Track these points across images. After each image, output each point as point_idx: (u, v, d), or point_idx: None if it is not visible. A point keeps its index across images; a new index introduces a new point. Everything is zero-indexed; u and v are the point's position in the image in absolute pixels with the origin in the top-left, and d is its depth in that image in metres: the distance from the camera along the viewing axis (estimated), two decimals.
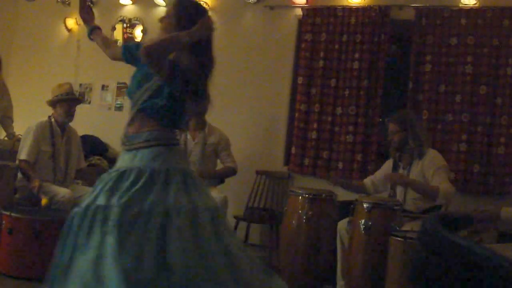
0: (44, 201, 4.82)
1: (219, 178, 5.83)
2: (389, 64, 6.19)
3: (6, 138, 6.08)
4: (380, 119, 6.11)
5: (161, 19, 3.19)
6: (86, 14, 3.35)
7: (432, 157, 4.67)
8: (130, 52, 3.19)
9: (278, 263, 5.04)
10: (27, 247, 4.27)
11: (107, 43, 3.38)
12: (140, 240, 2.62)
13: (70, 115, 5.21)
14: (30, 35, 8.04)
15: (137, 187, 2.74)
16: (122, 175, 2.81)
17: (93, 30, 3.32)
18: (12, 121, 6.23)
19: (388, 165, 5.01)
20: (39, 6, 7.76)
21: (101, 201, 2.71)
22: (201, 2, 6.81)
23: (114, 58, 3.36)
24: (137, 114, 2.96)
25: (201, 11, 3.12)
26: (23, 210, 4.51)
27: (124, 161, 2.93)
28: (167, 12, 3.17)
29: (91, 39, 3.33)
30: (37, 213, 4.46)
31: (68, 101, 5.18)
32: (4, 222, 4.36)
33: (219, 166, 5.88)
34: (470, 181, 5.64)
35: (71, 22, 7.76)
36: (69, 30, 7.81)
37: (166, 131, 3.00)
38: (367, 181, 5.14)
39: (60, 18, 7.78)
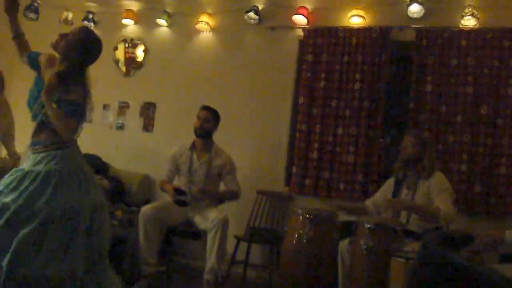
0: None
1: (222, 200, 5.83)
2: (390, 84, 6.20)
3: (7, 157, 6.08)
4: (381, 140, 6.12)
5: None
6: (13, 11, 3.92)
7: (439, 179, 4.67)
8: (31, 59, 3.73)
9: (279, 284, 5.02)
10: None
11: (24, 49, 3.94)
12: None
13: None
14: None
15: (33, 187, 3.27)
16: (25, 175, 3.33)
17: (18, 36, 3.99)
18: (14, 139, 6.23)
19: (389, 184, 5.00)
20: (41, 26, 7.78)
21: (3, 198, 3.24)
22: (203, 23, 6.87)
23: (24, 62, 3.86)
24: (39, 124, 3.47)
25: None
26: None
27: (28, 163, 3.44)
28: None
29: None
30: None
31: None
32: None
33: (221, 189, 5.89)
34: (471, 201, 5.62)
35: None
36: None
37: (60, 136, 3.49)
38: (369, 203, 5.12)
39: None
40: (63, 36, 3.66)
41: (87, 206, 3.40)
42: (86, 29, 3.76)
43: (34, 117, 3.51)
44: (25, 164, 3.45)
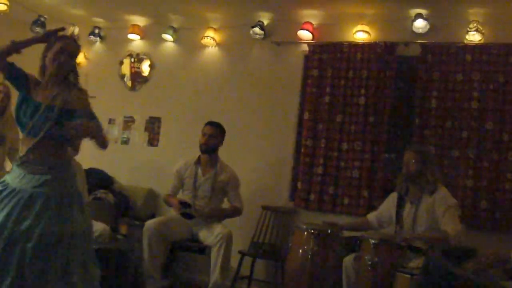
0: None
1: (224, 217, 5.82)
2: (395, 99, 6.19)
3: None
4: (386, 155, 6.11)
5: None
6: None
7: (444, 195, 4.66)
8: (12, 73, 3.51)
9: None
10: None
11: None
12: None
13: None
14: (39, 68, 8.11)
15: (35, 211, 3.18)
16: (29, 198, 3.21)
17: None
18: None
19: (392, 198, 4.97)
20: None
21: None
22: (209, 38, 6.90)
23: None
24: (43, 140, 3.31)
25: None
26: None
27: (20, 180, 3.28)
28: None
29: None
30: None
31: None
32: None
33: (226, 203, 5.89)
34: (477, 217, 5.59)
35: (80, 57, 7.80)
36: (77, 64, 7.85)
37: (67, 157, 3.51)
38: (371, 217, 5.10)
39: None
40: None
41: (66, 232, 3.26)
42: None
43: (32, 133, 3.33)
44: (16, 180, 3.30)
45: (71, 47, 3.56)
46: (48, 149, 3.34)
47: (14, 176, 3.32)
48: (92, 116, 3.46)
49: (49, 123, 3.30)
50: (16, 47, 3.45)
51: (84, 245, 3.37)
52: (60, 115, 3.33)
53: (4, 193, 3.24)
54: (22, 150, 3.35)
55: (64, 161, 3.46)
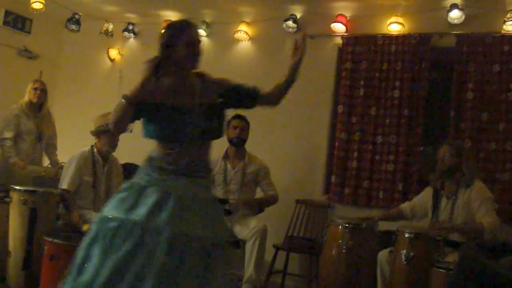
0: (86, 227, 4.89)
1: (260, 207, 5.82)
2: (430, 92, 6.12)
3: (49, 166, 6.19)
4: (421, 148, 6.04)
5: None
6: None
7: (479, 188, 4.59)
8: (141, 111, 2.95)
9: None
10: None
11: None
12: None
13: (114, 145, 5.27)
14: (74, 65, 8.25)
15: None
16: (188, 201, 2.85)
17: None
18: (56, 149, 6.35)
19: (427, 193, 4.92)
20: (83, 37, 7.95)
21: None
22: (242, 32, 6.90)
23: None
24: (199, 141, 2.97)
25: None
26: (64, 237, 4.55)
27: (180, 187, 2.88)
28: None
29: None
30: (78, 240, 4.49)
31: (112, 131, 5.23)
32: (46, 248, 4.41)
33: (258, 194, 5.88)
34: None
35: (114, 53, 7.94)
36: (112, 60, 7.98)
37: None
38: (405, 206, 5.06)
39: (103, 48, 7.97)
40: None
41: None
42: None
43: (180, 136, 2.92)
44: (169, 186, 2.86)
45: (197, 33, 3.13)
46: (198, 150, 2.97)
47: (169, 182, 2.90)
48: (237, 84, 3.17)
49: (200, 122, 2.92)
50: (131, 101, 2.84)
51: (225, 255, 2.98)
52: (210, 109, 2.99)
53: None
54: (166, 156, 2.92)
55: (208, 162, 3.10)
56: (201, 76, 3.11)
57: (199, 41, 3.03)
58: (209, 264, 2.79)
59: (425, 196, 4.95)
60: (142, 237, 2.70)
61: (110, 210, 2.87)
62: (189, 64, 3.00)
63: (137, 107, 2.87)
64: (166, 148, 2.93)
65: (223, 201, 5.44)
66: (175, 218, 2.75)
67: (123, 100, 2.84)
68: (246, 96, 3.18)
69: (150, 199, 2.80)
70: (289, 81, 3.23)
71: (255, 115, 5.91)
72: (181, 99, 2.94)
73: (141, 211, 2.76)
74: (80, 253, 2.84)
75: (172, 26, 3.08)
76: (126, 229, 2.72)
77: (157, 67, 2.93)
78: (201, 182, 2.97)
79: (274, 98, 3.26)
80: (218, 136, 3.06)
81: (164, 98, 2.92)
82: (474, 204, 4.50)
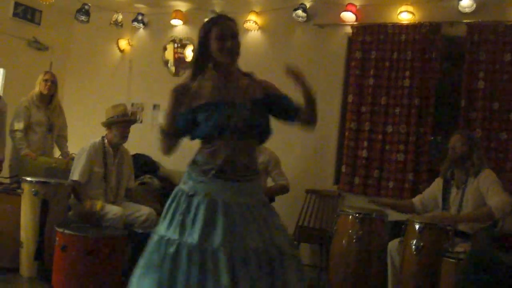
0: (99, 205, 4.94)
1: (272, 196, 5.82)
2: (440, 81, 6.08)
3: (60, 157, 6.22)
4: (432, 138, 6.02)
5: None
6: None
7: (487, 174, 4.57)
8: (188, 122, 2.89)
9: (328, 283, 5.00)
10: (79, 264, 4.34)
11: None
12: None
13: (124, 136, 5.28)
14: (84, 56, 8.27)
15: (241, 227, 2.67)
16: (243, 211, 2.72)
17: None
18: (67, 141, 6.38)
19: (437, 183, 4.90)
20: (92, 28, 7.96)
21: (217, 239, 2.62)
22: (251, 22, 6.88)
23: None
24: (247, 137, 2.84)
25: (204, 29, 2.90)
26: (76, 228, 4.59)
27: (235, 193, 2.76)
28: None
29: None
30: (90, 230, 4.54)
31: (123, 123, 5.25)
32: (57, 238, 4.44)
33: (269, 184, 5.88)
34: None
35: (124, 43, 7.95)
36: (121, 51, 7.99)
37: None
38: (416, 200, 5.04)
39: (113, 39, 7.98)
40: None
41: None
42: None
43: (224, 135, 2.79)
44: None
45: (230, 26, 2.91)
46: (240, 147, 2.82)
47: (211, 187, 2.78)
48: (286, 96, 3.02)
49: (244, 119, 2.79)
50: (167, 132, 2.91)
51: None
52: (254, 106, 2.85)
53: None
54: (207, 156, 2.85)
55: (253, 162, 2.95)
56: (248, 75, 3.00)
57: (232, 35, 2.85)
58: (278, 272, 2.67)
59: (435, 187, 4.93)
60: (202, 259, 2.58)
61: (164, 228, 2.76)
62: (222, 58, 2.83)
63: (187, 117, 2.84)
64: (207, 146, 2.84)
65: None
66: (228, 235, 2.61)
67: (161, 135, 2.90)
68: (289, 109, 3.00)
69: (199, 215, 2.68)
70: (309, 103, 2.97)
71: None
72: (222, 94, 2.83)
73: (194, 231, 2.64)
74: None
75: (205, 23, 2.94)
76: (185, 254, 2.60)
77: (195, 71, 2.88)
78: (246, 187, 2.82)
79: (307, 118, 3.06)
80: (263, 133, 2.91)
81: (207, 97, 2.81)
82: (482, 189, 4.47)
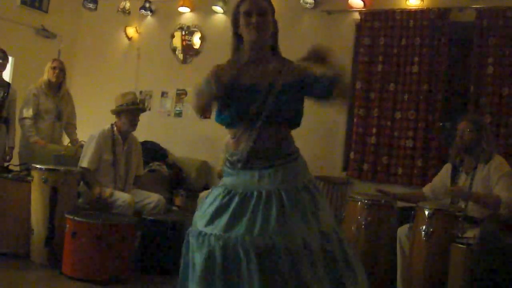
0: (108, 192, 4.97)
1: None
2: (449, 67, 6.05)
3: (69, 145, 6.24)
4: (441, 124, 6.00)
5: None
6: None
7: (499, 163, 4.54)
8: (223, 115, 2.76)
9: None
10: (89, 250, 4.36)
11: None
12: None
13: (134, 124, 5.29)
14: (92, 44, 8.27)
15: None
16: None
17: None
18: (75, 128, 6.39)
19: (446, 170, 4.89)
20: (100, 16, 7.96)
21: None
22: None
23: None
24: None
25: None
26: (86, 214, 4.61)
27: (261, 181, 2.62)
28: None
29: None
30: (99, 217, 4.56)
31: (132, 111, 5.25)
32: (68, 225, 4.47)
33: None
34: None
35: (131, 31, 7.94)
36: (129, 39, 7.98)
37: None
38: (427, 189, 5.02)
39: (121, 27, 7.98)
40: None
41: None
42: None
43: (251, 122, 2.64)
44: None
45: (258, 2, 2.69)
46: (272, 136, 2.70)
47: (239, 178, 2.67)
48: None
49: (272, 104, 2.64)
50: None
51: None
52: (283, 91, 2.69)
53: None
54: (236, 147, 2.73)
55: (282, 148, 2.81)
56: (282, 59, 2.84)
57: (259, 11, 2.66)
58: (326, 258, 2.54)
59: (444, 173, 4.91)
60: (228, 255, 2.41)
61: (203, 223, 2.56)
62: (248, 35, 2.68)
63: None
64: (233, 135, 2.72)
65: None
66: (252, 230, 2.44)
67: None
68: (326, 90, 2.72)
69: (229, 210, 2.53)
70: (338, 81, 2.71)
71: None
72: (249, 77, 2.68)
73: (221, 227, 2.47)
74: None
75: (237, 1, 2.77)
76: (229, 249, 2.41)
77: (232, 51, 2.80)
78: (278, 174, 2.67)
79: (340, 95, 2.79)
80: (292, 120, 2.78)
81: (236, 78, 2.66)
82: (493, 178, 4.45)
